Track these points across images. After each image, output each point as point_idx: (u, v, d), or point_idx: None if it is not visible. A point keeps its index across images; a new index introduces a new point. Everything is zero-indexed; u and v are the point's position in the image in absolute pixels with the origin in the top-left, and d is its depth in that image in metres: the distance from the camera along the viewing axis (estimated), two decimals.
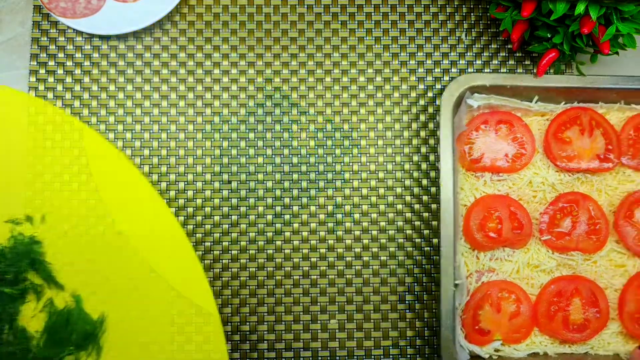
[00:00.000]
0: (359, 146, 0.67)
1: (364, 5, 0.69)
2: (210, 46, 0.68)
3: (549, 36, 0.61)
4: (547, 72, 0.62)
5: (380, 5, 0.70)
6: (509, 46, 0.70)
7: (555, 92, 0.64)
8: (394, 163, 0.67)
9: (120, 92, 0.67)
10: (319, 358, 0.64)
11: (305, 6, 0.69)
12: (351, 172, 0.66)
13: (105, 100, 0.67)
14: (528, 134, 0.64)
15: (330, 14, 0.69)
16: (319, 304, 0.64)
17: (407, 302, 0.65)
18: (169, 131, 0.67)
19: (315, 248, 0.65)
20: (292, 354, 0.64)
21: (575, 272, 0.63)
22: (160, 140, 0.67)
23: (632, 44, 0.59)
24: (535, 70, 0.69)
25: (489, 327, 0.60)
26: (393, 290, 0.65)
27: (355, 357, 0.64)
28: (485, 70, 0.69)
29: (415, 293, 0.65)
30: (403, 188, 0.66)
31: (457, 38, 0.69)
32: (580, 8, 0.55)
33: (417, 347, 0.64)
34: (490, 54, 0.69)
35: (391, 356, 0.64)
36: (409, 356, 0.64)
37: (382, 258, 0.65)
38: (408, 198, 0.66)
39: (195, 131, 0.67)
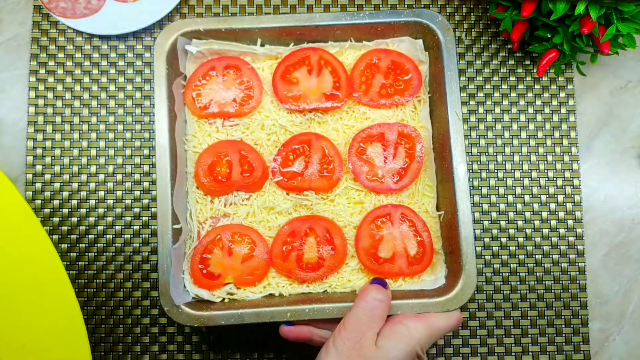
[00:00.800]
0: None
1: (364, 5, 0.70)
2: None
3: (549, 36, 0.61)
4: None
5: (381, 5, 0.70)
6: (509, 46, 0.69)
7: (281, 33, 0.62)
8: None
9: (120, 92, 0.67)
10: None
11: (305, 6, 0.69)
12: None
13: (105, 100, 0.67)
14: (255, 78, 0.63)
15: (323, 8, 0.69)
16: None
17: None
18: None
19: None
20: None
21: (313, 213, 0.62)
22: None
23: (632, 44, 0.59)
24: (535, 70, 0.69)
25: (218, 270, 0.60)
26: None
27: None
28: (485, 71, 0.69)
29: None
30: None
31: (457, 38, 0.69)
32: (580, 8, 0.55)
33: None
34: (490, 54, 0.69)
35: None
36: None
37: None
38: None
39: None
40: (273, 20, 0.61)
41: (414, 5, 0.70)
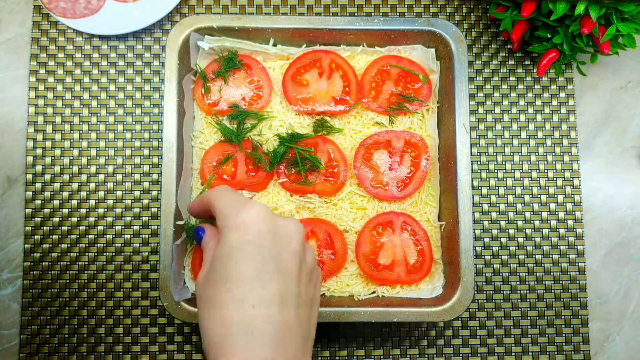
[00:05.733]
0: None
1: (364, 6, 0.70)
2: None
3: (549, 36, 0.61)
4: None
5: (380, 6, 0.70)
6: (509, 46, 0.69)
7: (294, 34, 0.62)
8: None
9: (121, 92, 0.67)
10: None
11: (305, 6, 0.69)
12: None
13: (105, 100, 0.67)
14: (265, 77, 0.63)
15: (330, 14, 0.69)
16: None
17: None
18: None
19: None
20: None
21: (315, 215, 0.62)
22: (159, 140, 0.67)
23: (632, 44, 0.59)
24: (535, 70, 0.69)
25: None
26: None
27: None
28: (485, 71, 0.69)
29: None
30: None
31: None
32: (580, 8, 0.55)
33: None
34: (490, 54, 0.69)
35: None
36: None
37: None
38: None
39: None
40: (287, 21, 0.61)
41: (414, 6, 0.70)
